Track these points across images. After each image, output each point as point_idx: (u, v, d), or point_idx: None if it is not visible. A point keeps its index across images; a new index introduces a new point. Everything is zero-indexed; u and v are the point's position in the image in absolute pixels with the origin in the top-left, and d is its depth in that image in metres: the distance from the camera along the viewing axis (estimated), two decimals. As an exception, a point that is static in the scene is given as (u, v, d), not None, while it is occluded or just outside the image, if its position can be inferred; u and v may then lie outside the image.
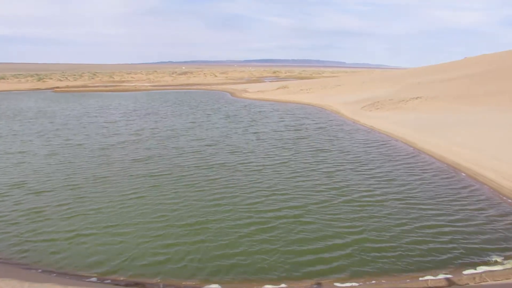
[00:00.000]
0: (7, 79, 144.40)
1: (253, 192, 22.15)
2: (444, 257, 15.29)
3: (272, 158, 29.86)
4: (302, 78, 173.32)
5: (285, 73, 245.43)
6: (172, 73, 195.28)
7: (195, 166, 27.52)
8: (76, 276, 14.24)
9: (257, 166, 27.67)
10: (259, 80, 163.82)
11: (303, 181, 24.20)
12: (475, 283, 13.57)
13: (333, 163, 28.70)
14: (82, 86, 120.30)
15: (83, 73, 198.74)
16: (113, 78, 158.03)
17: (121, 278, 14.04)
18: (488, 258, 15.19)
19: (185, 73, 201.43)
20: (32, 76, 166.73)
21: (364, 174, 25.93)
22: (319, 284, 13.65)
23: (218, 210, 19.46)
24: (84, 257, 15.31)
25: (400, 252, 15.50)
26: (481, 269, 14.50)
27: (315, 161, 29.08)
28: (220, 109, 62.62)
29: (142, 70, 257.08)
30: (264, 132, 41.64)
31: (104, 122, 48.70)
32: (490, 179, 24.33)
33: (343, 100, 67.83)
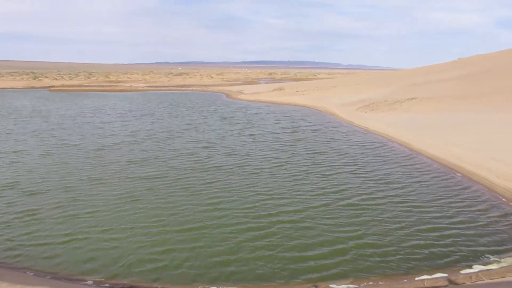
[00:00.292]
0: (2, 76, 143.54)
1: (250, 195, 21.98)
2: (442, 257, 15.30)
3: (269, 161, 29.76)
4: (297, 80, 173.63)
5: (281, 74, 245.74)
6: (168, 74, 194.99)
7: (191, 169, 27.36)
8: (71, 280, 14.07)
9: (254, 169, 27.55)
10: (255, 81, 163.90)
11: (301, 184, 24.08)
12: (471, 282, 13.59)
13: (330, 165, 28.65)
14: (78, 86, 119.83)
15: (79, 72, 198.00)
16: (109, 78, 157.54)
17: (117, 284, 13.85)
18: (484, 257, 15.31)
19: (181, 74, 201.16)
20: (27, 74, 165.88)
21: (361, 176, 25.88)
22: (316, 287, 13.59)
23: (215, 214, 19.23)
24: (79, 262, 15.03)
25: (399, 256, 15.36)
26: (477, 268, 14.60)
27: (312, 164, 29.02)
28: (216, 111, 62.52)
29: (138, 70, 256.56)
30: (260, 134, 41.57)
31: (100, 123, 48.45)
32: (486, 179, 24.48)
33: (338, 102, 67.96)
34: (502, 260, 15.08)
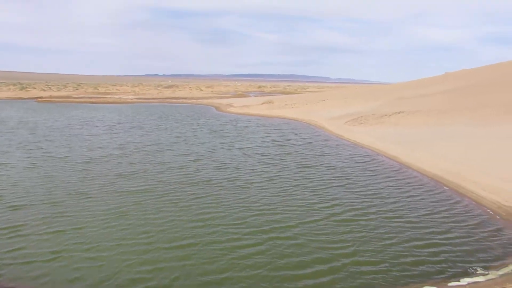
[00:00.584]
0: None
1: (240, 210, 21.78)
2: (432, 273, 15.35)
3: (259, 175, 29.65)
4: (287, 93, 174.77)
5: (271, 88, 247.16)
6: (158, 86, 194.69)
7: (180, 183, 27.09)
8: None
9: (244, 183, 27.39)
10: (244, 94, 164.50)
11: (292, 199, 23.96)
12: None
13: (320, 179, 28.65)
14: (66, 97, 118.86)
15: (67, 83, 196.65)
16: (98, 89, 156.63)
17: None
18: (472, 270, 15.52)
19: (171, 86, 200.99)
20: (14, 84, 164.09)
21: (352, 191, 25.89)
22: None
23: (205, 230, 18.94)
24: (65, 282, 14.57)
25: (391, 273, 15.30)
26: (465, 281, 14.81)
27: (302, 178, 29.00)
28: (205, 124, 62.43)
29: (128, 82, 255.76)
30: (250, 147, 41.52)
31: (88, 135, 47.94)
32: (472, 192, 24.82)
33: (327, 115, 68.45)
34: (489, 272, 15.35)
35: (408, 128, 47.54)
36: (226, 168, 31.73)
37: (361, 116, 60.09)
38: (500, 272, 15.48)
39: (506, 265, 16.00)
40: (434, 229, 19.40)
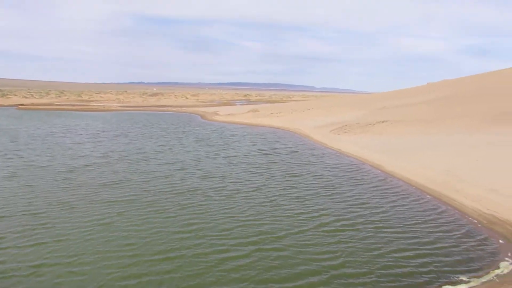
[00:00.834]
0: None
1: (225, 219, 21.62)
2: (415, 279, 15.54)
3: (245, 184, 29.54)
4: (272, 102, 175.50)
5: (256, 96, 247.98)
6: (143, 94, 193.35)
7: (166, 192, 26.79)
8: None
9: (229, 191, 27.26)
10: (230, 103, 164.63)
11: (278, 208, 23.89)
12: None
13: (306, 188, 28.72)
14: (49, 104, 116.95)
15: (50, 90, 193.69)
16: (81, 97, 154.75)
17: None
18: (455, 278, 15.72)
19: (155, 94, 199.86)
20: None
21: (336, 198, 26.06)
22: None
23: (190, 239, 18.76)
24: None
25: (375, 278, 15.47)
26: (447, 289, 15.00)
27: (288, 186, 29.02)
28: (191, 132, 62.14)
29: (112, 90, 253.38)
30: (236, 156, 41.43)
31: (71, 143, 47.16)
32: (455, 200, 25.26)
33: (312, 124, 68.90)
34: (471, 280, 15.62)
35: (392, 137, 48.17)
36: (212, 177, 31.56)
37: (346, 125, 60.67)
38: (483, 279, 15.76)
39: (488, 273, 16.28)
40: (420, 239, 19.58)
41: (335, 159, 40.44)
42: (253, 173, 33.46)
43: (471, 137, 40.38)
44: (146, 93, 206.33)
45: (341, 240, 19.16)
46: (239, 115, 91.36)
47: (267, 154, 42.81)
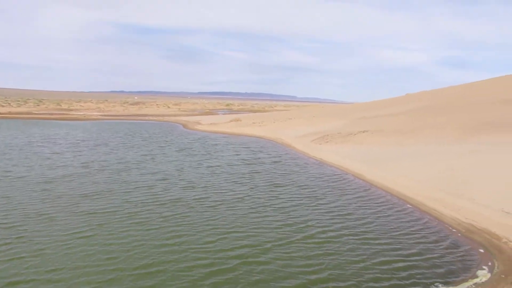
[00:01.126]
0: None
1: (209, 230, 21.46)
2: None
3: (228, 194, 29.44)
4: (254, 111, 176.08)
5: (238, 106, 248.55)
6: (124, 103, 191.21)
7: (147, 203, 26.43)
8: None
9: (212, 202, 27.10)
10: (212, 112, 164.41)
11: (260, 217, 23.89)
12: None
13: (290, 198, 28.78)
14: (26, 113, 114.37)
15: (28, 99, 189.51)
16: (61, 106, 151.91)
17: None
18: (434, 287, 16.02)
19: (137, 103, 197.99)
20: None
21: (321, 209, 26.13)
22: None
23: (174, 252, 18.49)
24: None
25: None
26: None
27: (272, 197, 29.03)
28: (173, 142, 61.70)
29: (92, 98, 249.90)
30: (219, 166, 41.29)
31: (50, 153, 46.17)
32: (434, 209, 25.72)
33: (294, 133, 69.39)
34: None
35: (373, 147, 48.86)
36: (194, 187, 31.35)
37: (328, 135, 61.31)
38: (461, 287, 16.06)
39: (466, 280, 16.65)
40: (401, 249, 19.81)
41: (318, 169, 40.74)
42: (236, 183, 33.40)
43: (448, 147, 41.33)
44: (127, 102, 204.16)
45: (327, 252, 19.13)
46: (221, 124, 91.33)
47: (250, 164, 42.83)
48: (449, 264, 18.20)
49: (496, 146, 37.91)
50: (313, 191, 31.20)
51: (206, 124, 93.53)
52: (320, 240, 20.61)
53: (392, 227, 23.02)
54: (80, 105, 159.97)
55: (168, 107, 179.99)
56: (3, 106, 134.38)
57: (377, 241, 20.78)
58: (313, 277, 16.62)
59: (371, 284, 16.30)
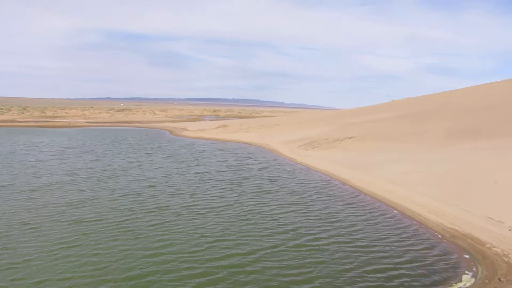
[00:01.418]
0: None
1: (197, 239, 21.38)
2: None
3: (217, 201, 29.41)
4: (242, 117, 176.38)
5: (225, 112, 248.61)
6: (110, 110, 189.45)
7: (135, 210, 26.24)
8: None
9: (201, 209, 27.04)
10: (199, 118, 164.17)
11: (249, 225, 23.89)
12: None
13: (279, 205, 28.85)
14: (10, 121, 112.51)
15: (11, 106, 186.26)
16: (45, 113, 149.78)
17: None
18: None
19: (123, 110, 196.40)
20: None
21: (309, 216, 26.23)
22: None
23: (162, 260, 18.36)
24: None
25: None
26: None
27: (260, 203, 29.08)
28: (160, 148, 61.38)
29: (78, 105, 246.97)
30: (206, 172, 41.22)
31: (35, 161, 45.51)
32: (419, 215, 26.09)
33: (281, 139, 69.71)
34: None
35: (359, 153, 49.38)
36: (182, 194, 31.25)
37: (314, 141, 61.75)
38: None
39: (450, 285, 16.94)
40: (390, 257, 19.92)
41: (306, 175, 40.97)
42: (224, 189, 33.39)
43: (432, 153, 42.01)
44: (113, 109, 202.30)
45: (318, 260, 19.14)
46: (209, 130, 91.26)
47: (238, 170, 42.86)
48: (434, 270, 18.43)
49: (478, 151, 38.70)
50: (301, 197, 31.35)
51: (193, 130, 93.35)
52: (309, 247, 20.62)
53: (379, 233, 23.22)
54: (65, 112, 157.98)
55: (155, 113, 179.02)
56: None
57: (366, 249, 20.87)
58: (305, 286, 16.57)
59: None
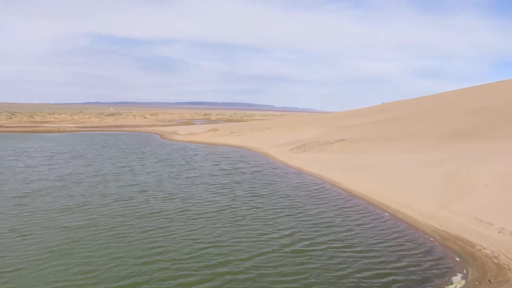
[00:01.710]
0: None
1: (190, 243, 21.28)
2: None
3: (209, 206, 29.29)
4: (232, 121, 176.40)
5: (216, 115, 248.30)
6: (99, 114, 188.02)
7: (127, 215, 26.03)
8: None
9: (193, 214, 26.90)
10: (190, 122, 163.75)
11: (243, 230, 23.79)
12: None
13: (272, 209, 28.80)
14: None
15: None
16: (34, 118, 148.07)
17: None
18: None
19: (113, 114, 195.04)
20: None
21: (303, 220, 26.22)
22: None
23: (155, 267, 18.18)
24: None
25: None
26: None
27: (253, 207, 29.05)
28: (151, 152, 61.04)
29: (67, 110, 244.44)
30: (198, 176, 41.10)
31: (24, 167, 44.94)
32: (410, 217, 26.30)
33: (273, 143, 69.78)
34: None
35: (349, 155, 49.66)
36: (174, 199, 31.11)
37: (305, 144, 61.95)
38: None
39: (441, 287, 17.08)
40: (380, 258, 20.08)
41: (298, 178, 41.06)
42: (217, 193, 33.31)
43: (422, 155, 42.40)
44: (103, 113, 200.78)
45: (307, 261, 19.20)
46: (199, 134, 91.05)
47: (230, 174, 42.80)
48: (425, 272, 18.53)
49: (469, 153, 39.13)
50: (294, 201, 31.37)
51: (184, 134, 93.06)
52: (304, 252, 20.52)
53: (370, 236, 23.34)
54: (54, 117, 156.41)
55: (145, 117, 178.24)
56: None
57: (355, 249, 21.01)
58: (295, 286, 16.61)
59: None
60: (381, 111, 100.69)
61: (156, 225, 24.30)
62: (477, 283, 17.23)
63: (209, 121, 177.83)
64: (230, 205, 29.61)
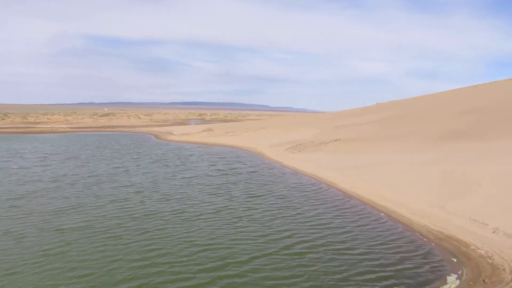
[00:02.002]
0: None
1: (187, 244, 21.20)
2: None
3: (205, 206, 29.22)
4: (227, 121, 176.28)
5: (211, 115, 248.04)
6: (93, 115, 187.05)
7: (122, 217, 25.90)
8: None
9: (189, 215, 26.83)
10: (184, 122, 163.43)
11: (241, 232, 23.70)
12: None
13: (268, 209, 28.80)
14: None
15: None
16: (27, 119, 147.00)
17: None
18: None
19: (107, 114, 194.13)
20: None
21: (301, 221, 26.09)
22: None
23: (152, 270, 18.02)
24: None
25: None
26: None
27: (250, 208, 29.02)
28: (146, 153, 60.84)
29: (60, 111, 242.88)
30: (194, 177, 41.01)
31: (17, 168, 44.59)
32: (403, 216, 26.44)
33: (267, 143, 69.79)
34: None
35: (345, 155, 49.80)
36: (170, 200, 31.02)
37: (301, 144, 62.02)
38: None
39: (435, 287, 17.14)
40: (375, 260, 20.01)
41: (294, 178, 41.09)
42: (213, 194, 33.25)
43: (417, 155, 42.62)
44: (96, 114, 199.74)
45: (306, 263, 19.13)
46: (194, 134, 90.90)
47: (226, 174, 42.76)
48: (419, 272, 18.56)
49: (464, 153, 39.38)
50: (290, 201, 31.38)
51: (178, 134, 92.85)
52: (303, 254, 20.35)
53: (364, 236, 23.35)
54: (47, 118, 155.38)
55: (139, 117, 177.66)
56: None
57: (350, 251, 21.00)
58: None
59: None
60: (376, 111, 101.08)
61: (152, 226, 24.21)
62: (471, 283, 17.33)
63: (203, 121, 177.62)
64: (227, 206, 29.56)
